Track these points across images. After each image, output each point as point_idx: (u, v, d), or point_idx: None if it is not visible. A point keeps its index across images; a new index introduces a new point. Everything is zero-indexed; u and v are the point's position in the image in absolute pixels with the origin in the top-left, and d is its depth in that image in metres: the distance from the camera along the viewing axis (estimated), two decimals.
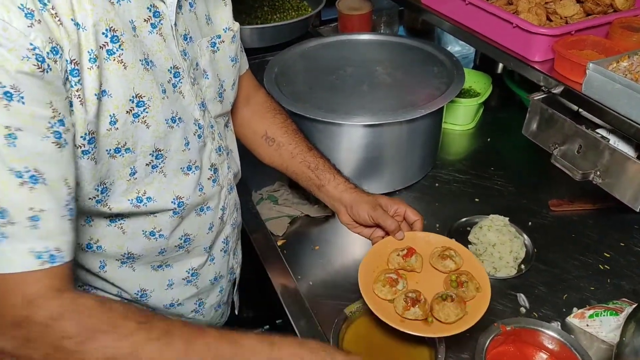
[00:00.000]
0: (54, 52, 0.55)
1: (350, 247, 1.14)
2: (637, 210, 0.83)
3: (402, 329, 0.77)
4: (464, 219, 1.14)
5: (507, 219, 1.09)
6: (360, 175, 1.17)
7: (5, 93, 0.52)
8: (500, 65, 1.64)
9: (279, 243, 1.11)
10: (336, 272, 1.07)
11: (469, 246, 1.07)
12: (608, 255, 1.08)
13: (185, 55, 0.73)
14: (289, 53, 1.35)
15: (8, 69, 0.52)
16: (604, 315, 0.90)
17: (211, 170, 0.82)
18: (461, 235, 1.10)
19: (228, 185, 0.88)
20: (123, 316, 0.59)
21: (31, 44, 0.53)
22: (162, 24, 0.68)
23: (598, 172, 0.87)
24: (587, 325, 0.92)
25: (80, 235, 0.71)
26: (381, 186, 1.21)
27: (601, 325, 0.90)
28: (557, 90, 0.95)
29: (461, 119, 1.44)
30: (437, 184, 1.27)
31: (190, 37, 0.75)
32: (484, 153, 1.39)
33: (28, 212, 0.54)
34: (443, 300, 0.79)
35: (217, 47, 0.81)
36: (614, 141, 0.86)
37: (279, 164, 1.01)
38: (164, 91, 0.69)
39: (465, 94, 1.48)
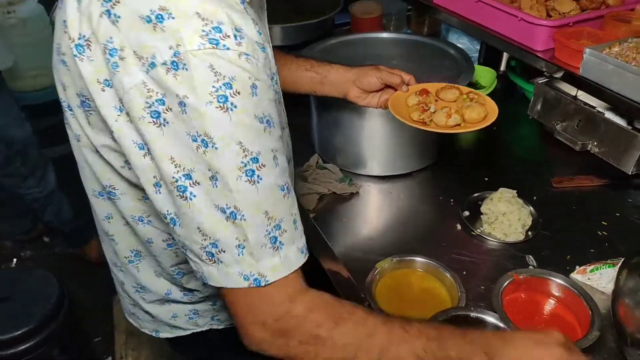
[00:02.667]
0: (274, 80, 0.63)
1: (374, 219, 1.26)
2: (630, 173, 0.96)
3: (461, 131, 0.99)
4: (475, 194, 1.27)
5: (515, 191, 1.21)
6: (380, 158, 1.31)
7: (268, 121, 0.58)
8: (503, 62, 1.78)
9: (311, 216, 1.24)
10: (364, 237, 1.19)
11: (482, 216, 1.20)
12: (605, 224, 1.20)
13: None
14: (312, 50, 1.48)
15: (270, 98, 0.59)
16: (603, 269, 1.02)
17: None
18: (474, 208, 1.22)
19: None
20: (353, 307, 0.66)
21: (271, 74, 0.60)
22: None
23: (595, 143, 1.00)
24: (589, 279, 1.04)
25: None
26: (400, 167, 1.34)
27: (601, 277, 1.02)
28: (558, 74, 1.08)
29: None
30: (449, 166, 1.40)
31: None
32: (491, 139, 1.53)
33: (292, 217, 0.63)
34: (470, 104, 1.01)
35: None
36: (609, 116, 1.00)
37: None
38: None
39: (472, 87, 1.62)
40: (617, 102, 0.96)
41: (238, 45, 0.55)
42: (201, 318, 0.97)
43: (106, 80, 0.59)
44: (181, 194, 0.58)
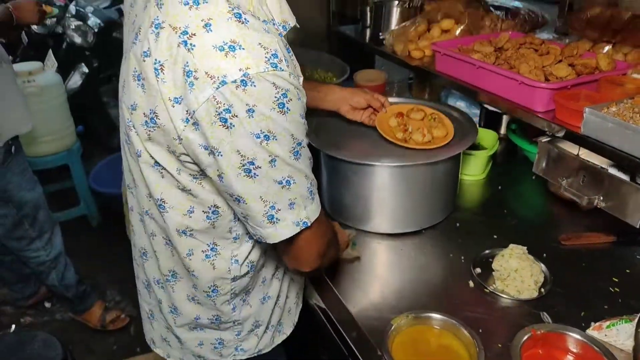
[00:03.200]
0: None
1: (386, 276, 1.27)
2: (637, 226, 0.98)
3: (433, 146, 1.29)
4: (486, 251, 1.28)
5: (525, 247, 1.23)
6: (390, 214, 1.33)
7: (304, 117, 0.78)
8: (503, 125, 1.85)
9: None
10: (377, 294, 1.19)
11: (494, 273, 1.20)
12: (616, 280, 1.21)
13: None
14: (324, 111, 1.55)
15: (304, 103, 0.77)
16: (620, 324, 1.01)
17: None
18: (485, 265, 1.23)
19: None
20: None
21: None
22: None
23: (601, 197, 1.03)
24: (606, 335, 1.03)
25: None
26: (409, 224, 1.36)
27: (618, 333, 1.01)
28: (560, 133, 1.14)
29: (473, 170, 1.62)
30: (458, 224, 1.43)
31: None
32: (497, 198, 1.56)
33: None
34: (435, 124, 1.36)
35: None
36: (612, 171, 1.03)
37: None
38: None
39: (475, 148, 1.68)
40: (618, 159, 1.00)
41: (288, 67, 0.72)
42: (225, 348, 1.06)
43: (176, 98, 0.73)
44: (247, 174, 0.75)
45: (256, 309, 1.04)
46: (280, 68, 0.71)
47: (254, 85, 0.69)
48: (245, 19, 0.71)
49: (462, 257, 1.29)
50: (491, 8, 1.82)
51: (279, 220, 0.81)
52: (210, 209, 0.88)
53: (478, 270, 1.23)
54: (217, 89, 0.69)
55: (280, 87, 0.71)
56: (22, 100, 2.07)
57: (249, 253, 0.96)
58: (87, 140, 3.52)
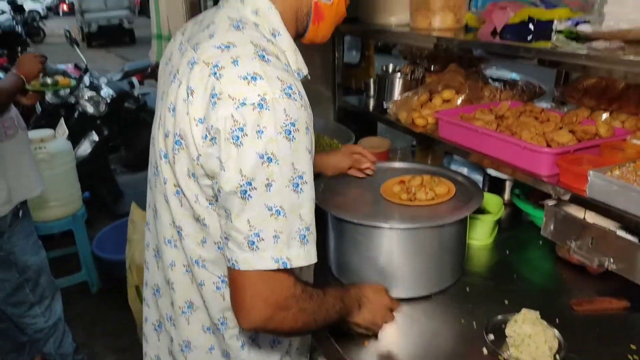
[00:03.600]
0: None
1: (397, 342, 1.23)
2: None
3: (437, 202, 1.35)
4: (498, 317, 1.25)
5: (538, 312, 1.20)
6: (398, 277, 1.32)
7: (311, 153, 0.84)
8: (507, 191, 1.87)
9: (332, 339, 1.21)
10: None
11: (507, 339, 1.17)
12: (634, 347, 1.17)
13: None
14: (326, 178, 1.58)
15: (312, 139, 0.86)
16: None
17: None
18: (498, 330, 1.20)
19: None
20: (314, 288, 0.95)
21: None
22: None
23: (611, 260, 1.03)
24: None
25: None
26: (419, 288, 1.34)
27: None
28: (566, 197, 1.15)
29: (480, 234, 1.63)
30: (467, 288, 1.41)
31: None
32: (506, 263, 1.55)
33: (314, 226, 0.87)
34: (437, 182, 1.41)
35: None
36: (621, 233, 1.04)
37: None
38: None
39: (480, 213, 1.69)
40: (625, 221, 1.01)
41: (301, 100, 0.81)
42: None
43: (200, 119, 0.83)
44: (241, 195, 0.80)
45: (265, 353, 1.03)
46: (294, 98, 0.80)
47: (268, 109, 0.78)
48: (268, 58, 0.83)
49: (474, 323, 1.26)
50: (490, 80, 1.90)
51: (258, 248, 0.81)
52: (221, 239, 0.92)
53: (491, 336, 1.20)
54: (236, 108, 0.78)
55: (290, 115, 0.79)
56: (34, 166, 2.11)
57: None
58: (93, 207, 3.55)
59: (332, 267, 1.46)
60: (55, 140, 2.85)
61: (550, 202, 1.18)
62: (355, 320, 1.09)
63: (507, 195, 1.88)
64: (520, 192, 1.77)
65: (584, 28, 1.20)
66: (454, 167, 2.17)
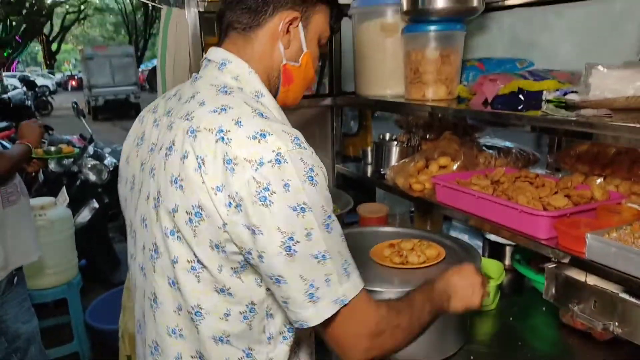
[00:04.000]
0: None
1: None
2: None
3: (429, 264, 1.37)
4: None
5: None
6: None
7: (326, 188, 0.85)
8: (508, 256, 1.87)
9: None
10: None
11: None
12: None
13: None
14: None
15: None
16: None
17: None
18: None
19: None
20: (396, 299, 0.98)
21: None
22: None
23: (616, 323, 1.01)
24: None
25: None
26: (421, 356, 1.30)
27: None
28: (565, 260, 1.15)
29: None
30: (472, 357, 1.37)
31: None
32: (510, 330, 1.52)
33: (350, 255, 0.87)
34: (427, 245, 1.44)
35: None
36: (624, 295, 1.03)
37: None
38: None
39: None
40: (626, 283, 1.01)
41: (309, 148, 0.84)
42: None
43: (218, 186, 0.81)
44: (287, 252, 0.80)
45: None
46: (304, 147, 0.83)
47: (286, 162, 0.79)
48: (266, 116, 0.87)
49: None
50: (484, 147, 1.96)
51: (319, 298, 0.82)
52: (247, 307, 0.90)
53: None
54: (256, 170, 0.79)
55: (307, 162, 0.82)
56: (33, 233, 2.12)
57: (285, 357, 0.95)
58: (88, 275, 3.49)
59: None
60: (55, 207, 2.86)
61: (551, 265, 1.18)
62: (450, 312, 1.08)
63: (507, 261, 1.88)
64: (521, 258, 1.76)
65: (572, 97, 1.26)
66: (453, 233, 2.18)
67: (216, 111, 0.87)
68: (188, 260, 0.87)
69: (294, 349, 0.98)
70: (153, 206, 0.91)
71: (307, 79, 1.05)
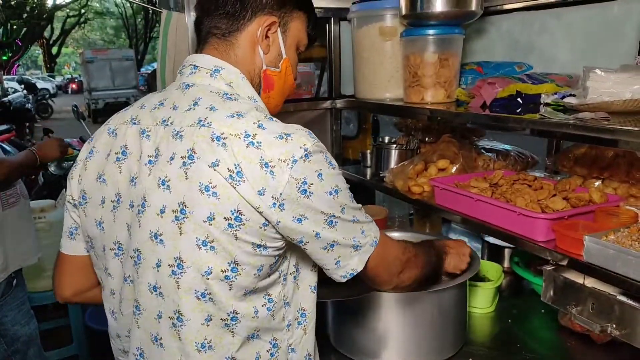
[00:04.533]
0: None
1: None
2: None
3: None
4: None
5: None
6: (398, 347, 1.29)
7: None
8: (507, 258, 1.87)
9: None
10: None
11: None
12: None
13: None
14: None
15: None
16: None
17: None
18: None
19: None
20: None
21: None
22: None
23: (614, 325, 1.02)
24: None
25: None
26: (419, 359, 1.30)
27: None
28: (563, 262, 1.16)
29: (481, 302, 1.60)
30: (470, 359, 1.37)
31: None
32: (508, 332, 1.52)
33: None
34: None
35: None
36: (622, 298, 1.03)
37: None
38: None
39: (480, 280, 1.67)
40: (626, 285, 1.01)
41: (318, 139, 0.91)
42: None
43: (259, 191, 0.85)
44: (330, 225, 0.91)
45: None
46: (317, 139, 0.91)
47: (313, 155, 0.87)
48: (276, 120, 0.92)
49: None
50: (482, 150, 1.96)
51: (360, 247, 0.96)
52: (265, 298, 0.95)
53: None
54: (291, 168, 0.85)
55: (323, 150, 0.91)
56: (33, 234, 2.12)
57: (301, 340, 1.02)
58: None
59: (331, 338, 1.43)
60: (55, 210, 2.87)
61: (549, 267, 1.18)
62: (443, 267, 1.27)
63: (506, 263, 1.88)
64: (520, 260, 1.77)
65: (570, 100, 1.27)
66: (452, 235, 2.18)
67: (233, 116, 0.89)
68: (222, 270, 0.88)
69: (305, 328, 1.03)
70: (173, 219, 0.88)
71: (286, 85, 1.08)
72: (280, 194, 0.85)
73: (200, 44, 1.03)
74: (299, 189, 0.86)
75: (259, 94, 1.03)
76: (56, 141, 2.18)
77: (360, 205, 0.98)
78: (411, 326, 1.30)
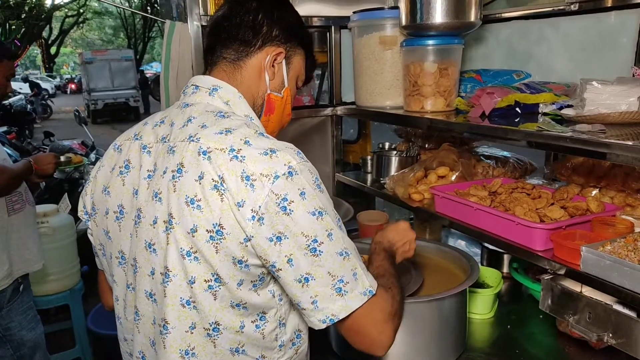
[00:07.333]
0: None
1: None
2: None
3: None
4: None
5: None
6: (399, 353, 1.31)
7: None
8: (506, 264, 1.89)
9: None
10: None
11: None
12: None
13: None
14: None
15: None
16: None
17: None
18: None
19: None
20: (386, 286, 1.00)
21: None
22: None
23: (610, 334, 1.04)
24: None
25: None
26: None
27: None
28: (561, 271, 1.18)
29: (481, 308, 1.63)
30: None
31: None
32: (508, 338, 1.55)
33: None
34: None
35: None
36: (618, 307, 1.06)
37: None
38: None
39: (480, 287, 1.70)
40: (620, 295, 1.04)
41: (307, 159, 0.92)
42: None
43: (239, 202, 0.85)
44: (312, 253, 0.86)
45: None
46: (306, 160, 0.92)
47: (297, 174, 0.87)
48: (267, 136, 0.94)
49: None
50: (482, 157, 1.99)
51: (347, 292, 0.88)
52: (257, 316, 0.95)
53: None
54: (272, 184, 0.85)
55: (312, 172, 0.90)
56: (37, 240, 2.14)
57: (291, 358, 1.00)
58: (90, 281, 3.51)
59: (332, 344, 1.45)
60: (58, 214, 2.89)
61: (547, 276, 1.21)
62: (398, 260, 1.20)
63: (505, 269, 1.90)
64: (519, 266, 1.79)
65: (568, 112, 1.30)
66: (452, 240, 2.20)
67: (222, 133, 0.91)
68: (205, 280, 0.90)
69: (297, 349, 1.03)
70: (163, 230, 0.92)
71: (285, 113, 1.12)
72: (259, 207, 0.85)
73: (209, 67, 1.07)
74: (279, 205, 0.85)
75: (259, 116, 1.07)
76: (52, 157, 2.21)
77: (354, 245, 0.92)
78: (412, 333, 1.32)
